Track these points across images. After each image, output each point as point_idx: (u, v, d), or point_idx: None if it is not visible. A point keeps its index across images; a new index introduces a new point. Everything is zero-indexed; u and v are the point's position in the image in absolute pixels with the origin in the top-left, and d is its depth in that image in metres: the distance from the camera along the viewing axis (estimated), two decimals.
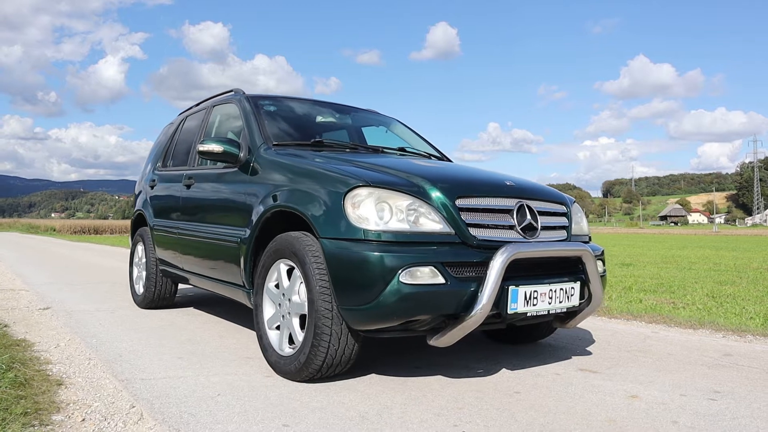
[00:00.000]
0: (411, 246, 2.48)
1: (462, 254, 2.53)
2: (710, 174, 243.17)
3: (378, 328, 2.53)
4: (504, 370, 3.03)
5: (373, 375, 2.90)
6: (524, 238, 2.73)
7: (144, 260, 4.98)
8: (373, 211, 2.50)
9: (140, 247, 5.13)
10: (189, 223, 4.08)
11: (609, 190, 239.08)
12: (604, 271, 3.24)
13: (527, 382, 2.79)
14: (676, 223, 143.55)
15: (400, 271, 2.38)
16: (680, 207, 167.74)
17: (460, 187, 2.69)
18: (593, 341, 3.83)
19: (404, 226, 2.50)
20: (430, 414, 2.32)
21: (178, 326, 4.18)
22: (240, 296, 3.40)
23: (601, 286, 2.91)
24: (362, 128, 4.43)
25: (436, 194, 2.59)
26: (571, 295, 2.81)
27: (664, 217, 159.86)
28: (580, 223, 3.27)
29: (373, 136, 4.47)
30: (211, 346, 3.52)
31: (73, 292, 6.08)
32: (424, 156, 3.95)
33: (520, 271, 2.68)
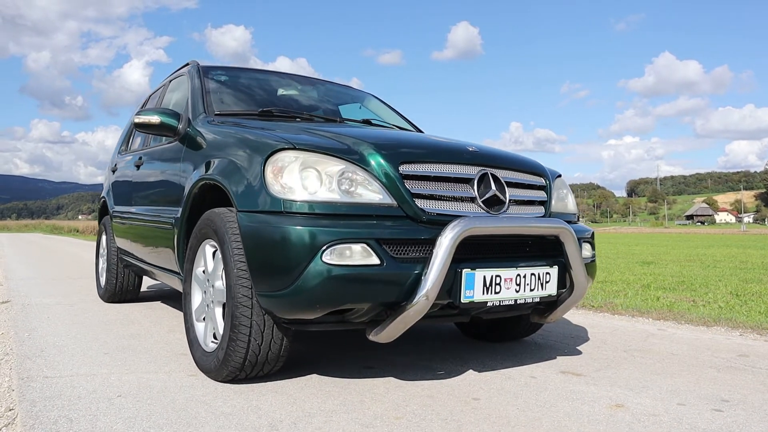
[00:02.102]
0: (342, 219, 2.04)
1: (405, 230, 2.08)
2: (738, 172, 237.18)
3: (302, 318, 2.10)
4: (470, 371, 2.58)
5: (314, 375, 2.47)
6: (488, 212, 2.28)
7: (106, 251, 4.63)
8: (298, 179, 2.07)
9: (104, 237, 4.78)
10: (137, 207, 3.71)
11: (633, 189, 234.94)
12: (594, 256, 2.77)
13: (492, 387, 2.33)
14: (702, 223, 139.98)
15: (323, 249, 1.94)
16: (707, 206, 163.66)
17: (406, 151, 2.23)
18: (587, 339, 3.34)
19: (334, 197, 2.07)
20: (357, 425, 1.88)
21: (130, 320, 3.80)
22: (178, 285, 3.01)
23: (585, 273, 2.44)
24: (339, 105, 3.99)
25: (375, 159, 2.15)
26: (546, 282, 2.34)
27: (690, 217, 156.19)
28: (565, 200, 2.79)
29: (348, 113, 4.04)
30: (151, 342, 3.13)
31: (46, 286, 5.77)
32: (394, 128, 3.49)
33: (481, 252, 2.22)
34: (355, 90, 4.21)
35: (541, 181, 2.60)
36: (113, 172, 4.63)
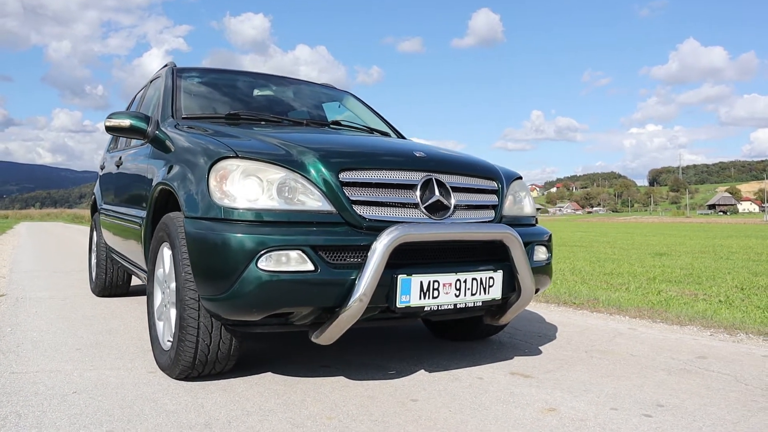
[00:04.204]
0: (280, 227, 2.10)
1: (342, 237, 2.14)
2: (763, 161, 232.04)
3: (243, 320, 2.18)
4: (421, 371, 2.64)
5: (268, 374, 2.55)
6: (430, 218, 2.32)
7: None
8: (239, 187, 2.14)
9: (95, 233, 4.92)
10: (117, 205, 3.82)
11: (655, 178, 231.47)
12: (549, 258, 2.80)
13: (436, 388, 2.39)
14: (725, 213, 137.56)
15: (259, 256, 2.01)
16: (729, 195, 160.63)
17: (347, 158, 2.28)
18: (552, 338, 3.38)
19: (274, 204, 2.13)
20: (289, 425, 1.96)
21: (114, 315, 3.93)
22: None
23: (532, 277, 2.47)
24: (315, 106, 4.04)
25: (315, 167, 2.20)
26: (490, 287, 2.38)
27: (712, 206, 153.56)
28: (521, 203, 2.82)
29: (330, 112, 4.09)
30: (125, 338, 3.24)
31: (46, 279, 5.95)
32: (363, 130, 3.53)
33: (420, 258, 2.28)
34: (334, 89, 4.26)
35: (492, 185, 2.63)
36: (101, 169, 4.75)
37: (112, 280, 4.62)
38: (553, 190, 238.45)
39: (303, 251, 2.05)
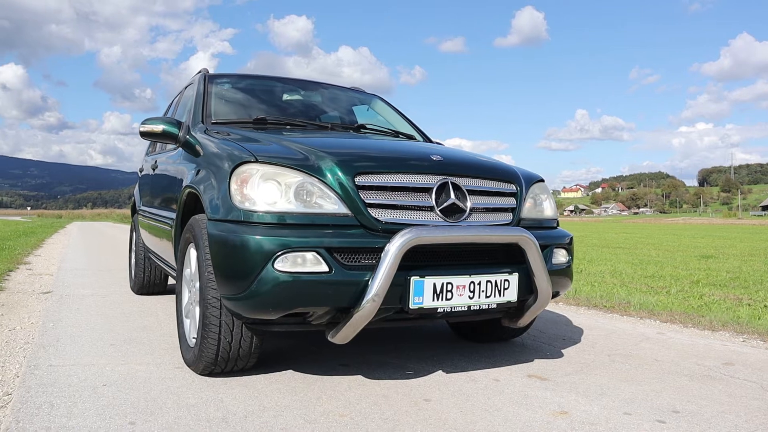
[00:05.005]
0: (297, 229, 2.18)
1: (357, 239, 2.19)
2: None
3: (261, 319, 2.26)
4: (439, 372, 2.67)
5: (289, 371, 2.63)
6: (445, 221, 2.35)
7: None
8: (258, 190, 2.22)
9: (134, 233, 5.12)
10: (153, 207, 3.98)
11: (705, 178, 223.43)
12: (569, 261, 2.78)
13: (451, 388, 2.41)
14: None
15: (275, 257, 2.09)
16: None
17: (363, 162, 2.34)
18: (576, 342, 3.35)
19: (290, 207, 2.21)
20: (302, 421, 2.03)
21: (149, 312, 4.10)
22: None
23: (548, 279, 2.47)
24: (343, 110, 4.12)
25: (332, 171, 2.27)
26: (505, 289, 2.40)
27: (766, 207, 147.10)
28: (541, 206, 2.82)
29: (358, 115, 4.16)
30: (158, 334, 3.38)
31: (91, 277, 6.22)
32: (388, 134, 3.58)
33: (434, 260, 2.31)
34: (363, 93, 4.32)
35: (510, 187, 2.64)
36: (140, 171, 4.95)
37: (150, 279, 4.81)
38: (598, 190, 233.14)
39: (318, 253, 2.11)
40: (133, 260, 5.20)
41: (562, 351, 3.13)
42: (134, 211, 5.19)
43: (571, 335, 3.54)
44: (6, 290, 5.06)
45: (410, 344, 3.24)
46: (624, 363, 2.89)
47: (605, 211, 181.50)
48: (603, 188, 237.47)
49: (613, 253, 11.11)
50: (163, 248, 3.59)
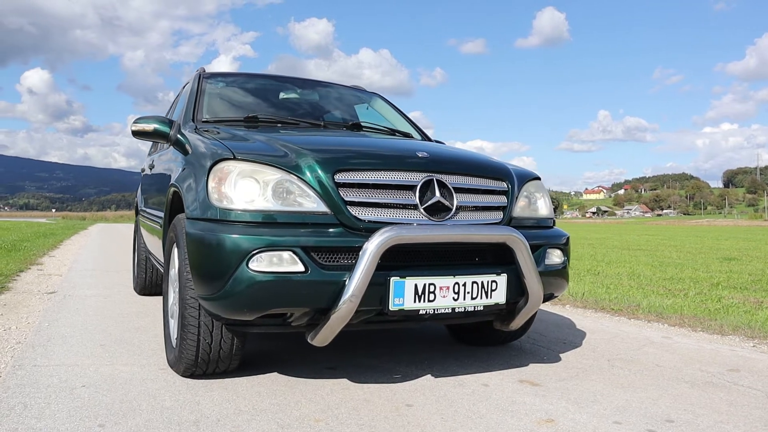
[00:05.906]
0: (275, 228, 2.11)
1: (336, 238, 2.12)
2: None
3: (239, 320, 2.20)
4: (428, 376, 2.58)
5: (274, 374, 2.57)
6: (429, 219, 2.27)
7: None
8: (236, 188, 2.16)
9: (137, 234, 5.12)
10: (149, 208, 3.96)
11: (731, 179, 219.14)
12: (564, 262, 2.68)
13: (436, 393, 2.33)
14: None
15: (250, 256, 2.03)
16: None
17: (343, 159, 2.26)
18: (577, 345, 3.24)
19: (268, 205, 2.14)
20: (275, 425, 1.96)
21: (147, 313, 4.07)
22: None
23: (539, 280, 2.37)
24: (353, 106, 4.05)
25: (311, 168, 2.20)
26: (493, 291, 2.31)
27: None
28: (535, 204, 2.72)
29: (358, 114, 4.10)
30: (150, 335, 3.35)
31: (98, 278, 6.24)
32: (385, 132, 3.50)
33: (417, 260, 2.23)
34: (363, 91, 4.25)
35: (501, 185, 2.55)
36: (142, 172, 4.95)
37: (152, 279, 4.79)
38: (621, 192, 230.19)
39: (294, 252, 2.05)
40: (135, 261, 5.20)
41: (561, 355, 3.02)
42: (137, 211, 5.19)
43: (573, 338, 3.43)
44: (11, 290, 5.09)
45: (405, 348, 3.16)
46: (623, 368, 2.77)
47: (628, 212, 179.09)
48: (626, 190, 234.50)
49: (633, 255, 10.88)
50: (157, 248, 3.56)
